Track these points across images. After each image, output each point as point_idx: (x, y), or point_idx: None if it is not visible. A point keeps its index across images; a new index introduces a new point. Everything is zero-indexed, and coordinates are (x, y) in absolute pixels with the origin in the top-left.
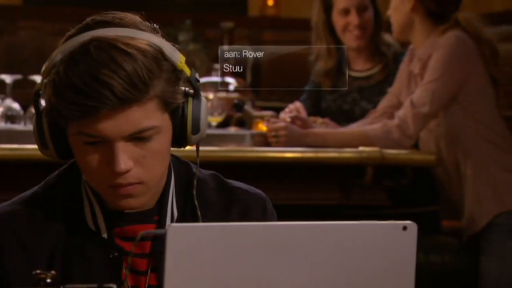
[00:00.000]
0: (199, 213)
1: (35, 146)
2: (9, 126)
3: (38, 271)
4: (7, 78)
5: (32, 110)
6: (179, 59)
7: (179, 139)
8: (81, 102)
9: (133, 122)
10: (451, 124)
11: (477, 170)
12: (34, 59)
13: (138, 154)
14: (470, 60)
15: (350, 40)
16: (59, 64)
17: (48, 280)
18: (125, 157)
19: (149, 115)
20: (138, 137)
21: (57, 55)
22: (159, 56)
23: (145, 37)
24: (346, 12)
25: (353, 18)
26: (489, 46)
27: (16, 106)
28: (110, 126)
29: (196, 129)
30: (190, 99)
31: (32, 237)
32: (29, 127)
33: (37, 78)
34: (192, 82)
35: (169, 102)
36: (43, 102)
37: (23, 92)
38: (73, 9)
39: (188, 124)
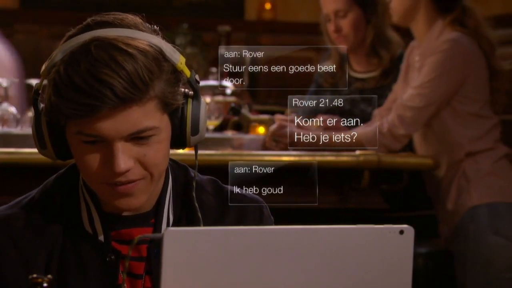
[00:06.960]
0: (199, 215)
1: (32, 150)
2: (6, 129)
3: (34, 275)
4: (4, 82)
5: (29, 113)
6: (179, 60)
7: (178, 140)
8: (82, 101)
9: (133, 122)
10: (436, 124)
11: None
12: (31, 63)
13: (138, 153)
14: (465, 63)
15: (338, 43)
16: (60, 64)
17: (45, 285)
18: (125, 157)
19: (148, 116)
20: (137, 137)
21: (57, 54)
22: (159, 56)
23: (146, 38)
24: (328, 18)
25: (331, 25)
26: (488, 41)
27: (12, 109)
28: (110, 126)
29: (195, 130)
30: (190, 101)
31: (29, 241)
32: (26, 130)
33: (34, 82)
34: (191, 84)
35: (169, 103)
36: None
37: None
38: (70, 13)
39: (187, 126)
